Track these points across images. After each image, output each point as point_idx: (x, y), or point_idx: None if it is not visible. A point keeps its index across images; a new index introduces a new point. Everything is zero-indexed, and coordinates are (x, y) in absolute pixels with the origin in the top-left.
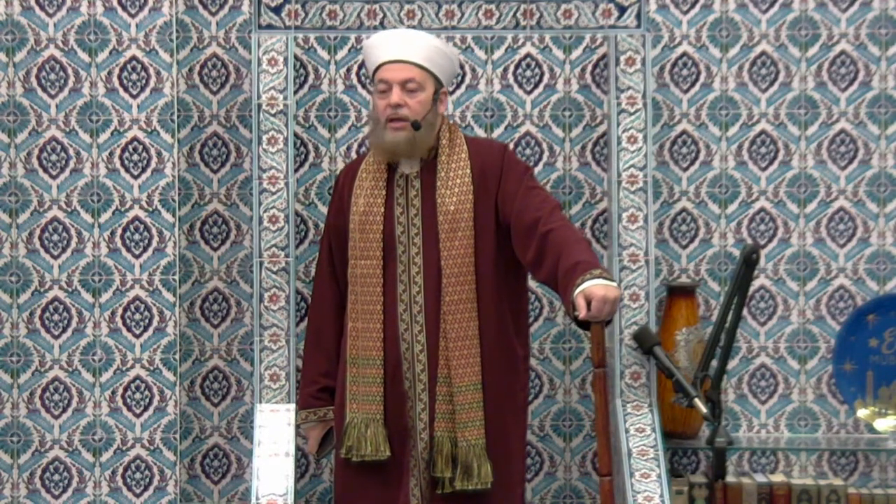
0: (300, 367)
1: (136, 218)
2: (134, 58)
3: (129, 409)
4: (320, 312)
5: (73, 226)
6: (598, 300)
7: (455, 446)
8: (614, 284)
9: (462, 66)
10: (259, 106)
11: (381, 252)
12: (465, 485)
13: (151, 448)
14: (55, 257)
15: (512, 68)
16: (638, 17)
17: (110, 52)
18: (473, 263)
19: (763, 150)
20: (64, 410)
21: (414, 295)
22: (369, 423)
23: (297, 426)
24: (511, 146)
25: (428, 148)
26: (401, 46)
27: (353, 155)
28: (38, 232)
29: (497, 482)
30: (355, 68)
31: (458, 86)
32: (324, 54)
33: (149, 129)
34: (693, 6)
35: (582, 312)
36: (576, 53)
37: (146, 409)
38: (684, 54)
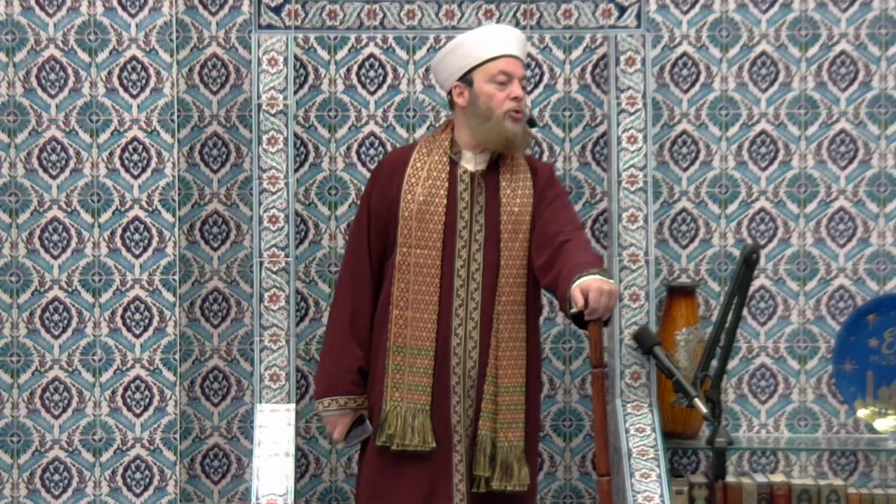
0: (299, 366)
1: (136, 218)
2: (134, 58)
3: (129, 409)
4: (357, 298)
5: (73, 226)
6: (594, 290)
7: (494, 446)
8: (611, 281)
9: None
10: (259, 106)
11: (440, 243)
12: (504, 485)
13: (151, 448)
14: (55, 257)
15: None
16: (638, 17)
17: (110, 52)
18: (527, 266)
19: (763, 150)
20: (64, 410)
21: (472, 291)
22: (416, 414)
23: (327, 410)
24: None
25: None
26: (519, 44)
27: (353, 155)
28: (38, 232)
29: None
30: (355, 68)
31: None
32: (324, 54)
33: (149, 129)
34: (693, 6)
35: (579, 304)
36: (576, 53)
37: (146, 409)
38: (684, 54)
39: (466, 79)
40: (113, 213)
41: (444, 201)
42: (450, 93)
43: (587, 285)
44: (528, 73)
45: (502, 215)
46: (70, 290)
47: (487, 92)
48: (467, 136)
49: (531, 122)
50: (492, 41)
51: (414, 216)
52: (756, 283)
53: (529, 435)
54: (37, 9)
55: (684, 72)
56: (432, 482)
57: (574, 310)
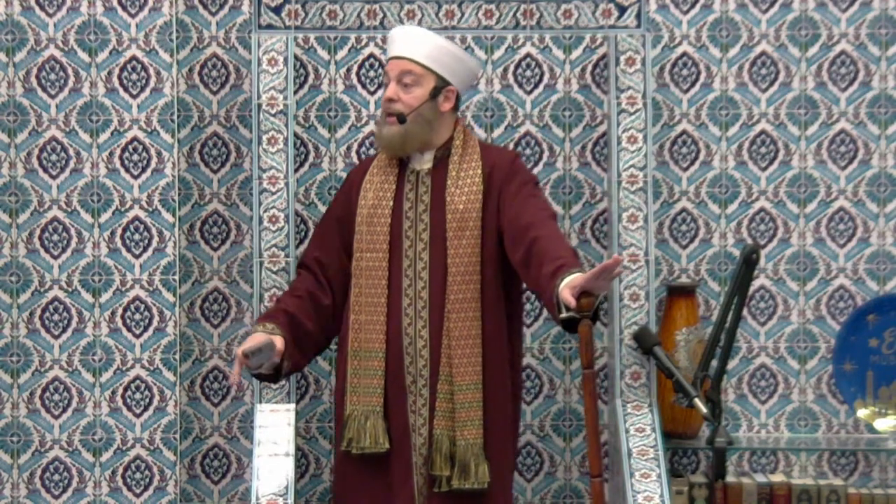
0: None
1: (136, 218)
2: (134, 58)
3: (129, 409)
4: (311, 250)
5: (73, 226)
6: (582, 280)
7: (453, 445)
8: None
9: None
10: (259, 106)
11: (387, 245)
12: (463, 483)
13: (151, 448)
14: (55, 257)
15: (512, 68)
16: (638, 17)
17: (110, 52)
18: (479, 263)
19: (763, 150)
20: (64, 410)
21: (419, 290)
22: (369, 416)
23: (248, 332)
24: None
25: (425, 143)
26: (402, 43)
27: (353, 155)
28: (38, 232)
29: (492, 482)
30: (355, 68)
31: None
32: (324, 54)
33: (149, 129)
34: (693, 6)
35: (572, 304)
36: (576, 53)
37: (146, 409)
38: (684, 54)
39: None
40: (113, 213)
41: (391, 203)
42: None
43: (574, 284)
44: (528, 73)
45: (447, 213)
46: (70, 290)
47: None
48: None
49: (400, 119)
50: (389, 43)
51: (364, 221)
52: (756, 283)
53: (495, 432)
54: (37, 9)
55: (684, 72)
56: (394, 484)
57: (564, 315)
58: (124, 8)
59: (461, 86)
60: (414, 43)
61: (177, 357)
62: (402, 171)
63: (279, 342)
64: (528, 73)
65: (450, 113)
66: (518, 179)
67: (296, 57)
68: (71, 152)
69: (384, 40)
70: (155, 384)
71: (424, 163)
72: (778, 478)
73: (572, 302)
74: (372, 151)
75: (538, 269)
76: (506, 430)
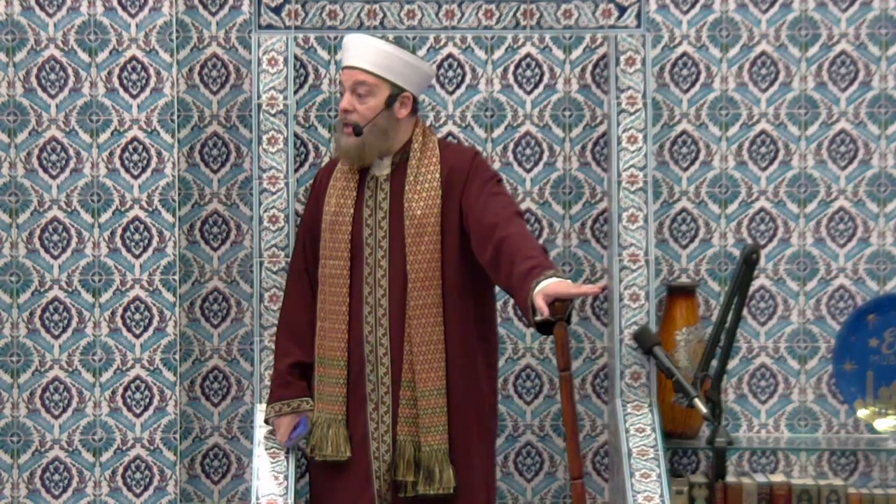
0: None
1: (136, 218)
2: (134, 58)
3: (129, 409)
4: (291, 297)
5: (73, 226)
6: (555, 290)
7: (418, 450)
8: (567, 280)
9: (462, 66)
10: (259, 106)
11: (348, 253)
12: (428, 489)
13: (151, 448)
14: (55, 257)
15: (512, 68)
16: (638, 17)
17: (110, 52)
18: (440, 268)
19: (763, 150)
20: (64, 410)
21: (379, 298)
22: (331, 423)
23: (266, 420)
24: (510, 150)
25: (383, 151)
26: (354, 52)
27: None
28: (38, 232)
29: (460, 487)
30: None
31: (458, 86)
32: (324, 54)
33: (149, 129)
34: (693, 6)
35: (545, 312)
36: (576, 53)
37: (146, 409)
38: (684, 54)
39: None
40: (113, 213)
41: (352, 211)
42: None
43: (550, 291)
44: (528, 73)
45: (405, 219)
46: (70, 290)
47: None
48: None
49: (356, 131)
50: (343, 52)
51: (328, 227)
52: (756, 283)
53: (462, 436)
54: (37, 9)
55: (684, 72)
56: (355, 490)
57: (539, 318)
58: (124, 8)
59: (416, 90)
60: (365, 52)
61: (177, 357)
62: (362, 177)
63: (309, 413)
64: (528, 73)
65: (407, 118)
66: (479, 179)
67: (296, 57)
68: (71, 152)
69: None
70: (155, 384)
71: (383, 168)
72: (778, 478)
73: (546, 310)
74: None
75: (509, 269)
76: (473, 434)
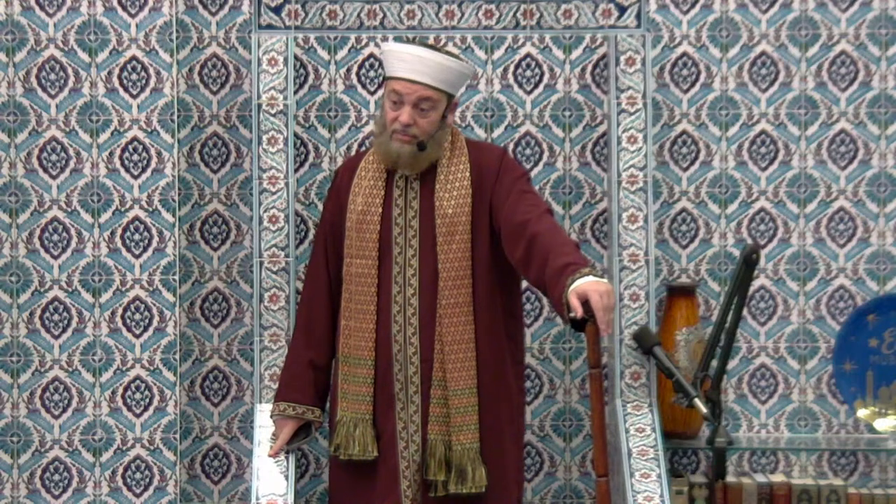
0: None
1: (136, 218)
2: (134, 58)
3: (129, 409)
4: (312, 304)
5: (73, 226)
6: (593, 295)
7: (449, 450)
8: (605, 280)
9: None
10: (259, 106)
11: (376, 252)
12: (460, 489)
13: (151, 448)
14: (55, 257)
15: (512, 68)
16: (638, 17)
17: (110, 52)
18: (470, 267)
19: (763, 150)
20: (64, 410)
21: (409, 297)
22: (358, 423)
23: (272, 414)
24: (510, 150)
25: (433, 159)
26: (418, 67)
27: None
28: (38, 232)
29: (491, 486)
30: (355, 68)
31: None
32: (324, 54)
33: (149, 129)
34: (693, 6)
35: (579, 311)
36: (576, 53)
37: (146, 409)
38: (684, 54)
39: (384, 86)
40: (113, 213)
41: (380, 209)
42: None
43: (584, 291)
44: (528, 73)
45: (436, 218)
46: (70, 290)
47: (385, 107)
48: None
49: (421, 147)
50: (397, 59)
51: (354, 226)
52: (756, 283)
53: (493, 435)
54: (37, 9)
55: (684, 72)
56: (381, 490)
57: (573, 315)
58: (124, 8)
59: (458, 94)
60: (429, 67)
61: (177, 357)
62: (390, 176)
63: (315, 423)
64: (528, 73)
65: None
66: (508, 177)
67: (296, 57)
68: (71, 152)
69: (384, 40)
70: (155, 384)
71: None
72: (778, 478)
73: (579, 309)
74: None
75: (541, 266)
76: (503, 432)
